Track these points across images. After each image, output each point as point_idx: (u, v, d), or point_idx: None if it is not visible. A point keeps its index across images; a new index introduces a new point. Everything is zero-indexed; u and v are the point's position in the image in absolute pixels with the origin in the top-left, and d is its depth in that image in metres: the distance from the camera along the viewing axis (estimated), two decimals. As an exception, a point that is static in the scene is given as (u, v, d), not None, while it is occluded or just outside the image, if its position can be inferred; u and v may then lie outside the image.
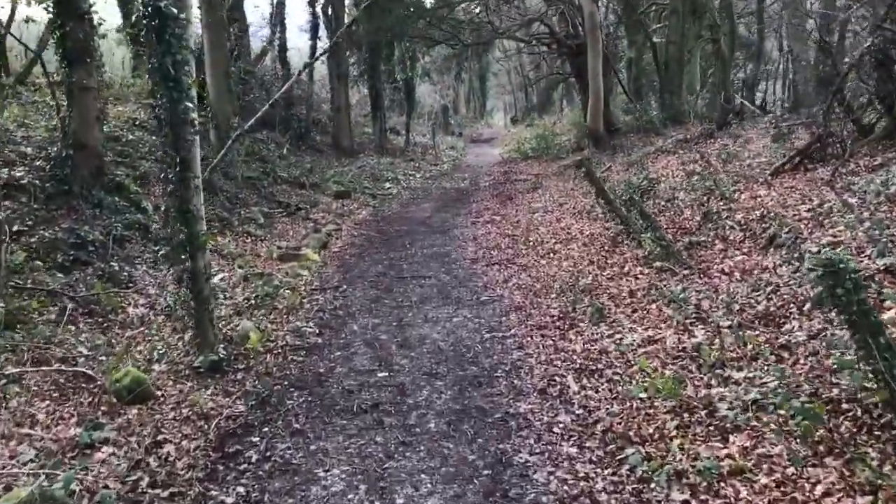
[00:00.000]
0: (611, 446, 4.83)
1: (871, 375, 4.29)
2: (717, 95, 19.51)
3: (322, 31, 24.89)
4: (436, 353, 7.03)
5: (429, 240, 12.83)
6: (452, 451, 4.96)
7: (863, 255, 6.37)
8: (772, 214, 8.41)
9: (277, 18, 24.39)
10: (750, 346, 5.77)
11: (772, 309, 6.31)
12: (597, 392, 5.76)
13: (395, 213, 16.27)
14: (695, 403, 5.11)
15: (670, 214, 10.47)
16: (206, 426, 5.41)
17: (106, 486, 4.45)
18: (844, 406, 4.56)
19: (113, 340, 7.05)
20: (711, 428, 4.78)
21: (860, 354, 4.29)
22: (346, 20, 23.04)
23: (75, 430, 5.03)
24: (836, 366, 4.87)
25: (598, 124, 20.74)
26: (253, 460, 4.93)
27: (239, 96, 18.20)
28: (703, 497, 4.08)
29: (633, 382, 5.73)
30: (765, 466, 4.21)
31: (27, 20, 13.11)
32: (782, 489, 3.99)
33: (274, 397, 6.03)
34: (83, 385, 5.94)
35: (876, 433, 4.23)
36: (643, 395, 5.38)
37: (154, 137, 12.06)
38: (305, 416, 5.64)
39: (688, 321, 6.67)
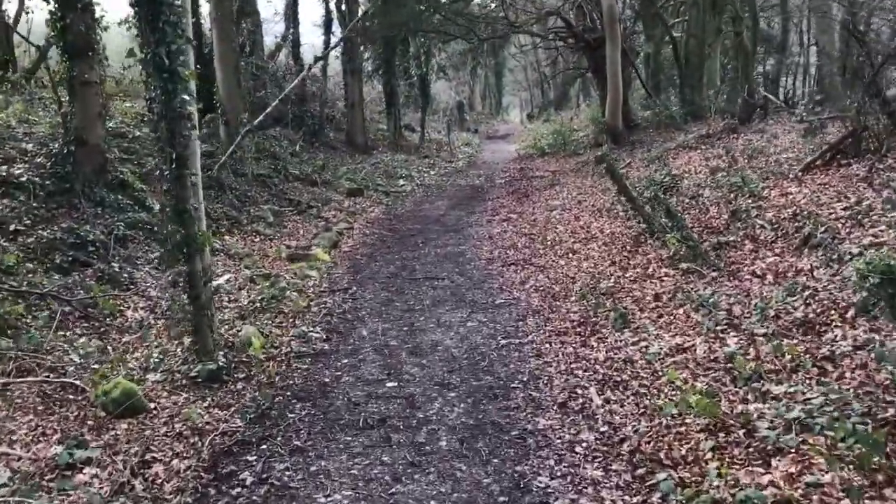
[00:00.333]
0: (640, 469, 4.39)
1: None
2: (738, 90, 18.89)
3: (336, 27, 24.64)
4: (448, 360, 6.62)
5: (443, 239, 12.41)
6: (465, 474, 4.54)
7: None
8: (805, 213, 7.90)
9: (291, 13, 24.14)
10: (788, 357, 5.29)
11: (810, 315, 5.83)
12: (622, 406, 5.32)
13: (409, 211, 15.84)
14: (731, 421, 4.65)
15: (695, 213, 9.96)
16: (199, 443, 5.02)
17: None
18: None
19: (108, 347, 6.69)
20: (751, 450, 4.31)
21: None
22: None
23: (56, 449, 4.63)
24: (888, 381, 4.41)
25: (616, 119, 20.14)
26: (247, 483, 4.52)
27: (251, 92, 17.89)
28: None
29: (662, 396, 5.29)
30: (815, 497, 3.73)
31: (27, 11, 12.81)
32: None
33: (274, 410, 5.64)
34: (70, 397, 5.55)
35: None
36: (674, 412, 4.93)
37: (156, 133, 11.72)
38: (307, 432, 5.24)
39: (718, 328, 6.21)
